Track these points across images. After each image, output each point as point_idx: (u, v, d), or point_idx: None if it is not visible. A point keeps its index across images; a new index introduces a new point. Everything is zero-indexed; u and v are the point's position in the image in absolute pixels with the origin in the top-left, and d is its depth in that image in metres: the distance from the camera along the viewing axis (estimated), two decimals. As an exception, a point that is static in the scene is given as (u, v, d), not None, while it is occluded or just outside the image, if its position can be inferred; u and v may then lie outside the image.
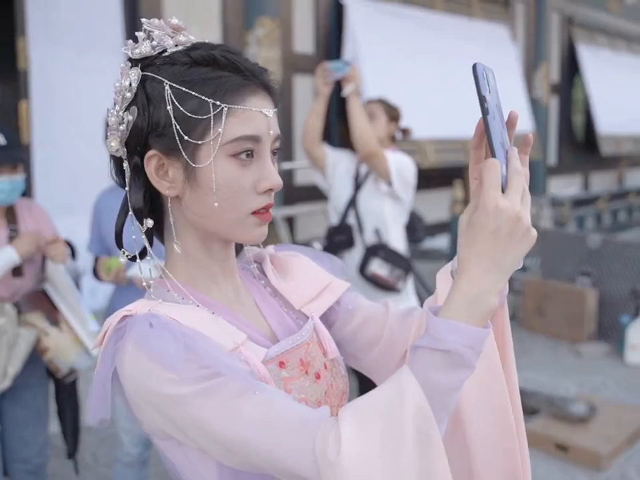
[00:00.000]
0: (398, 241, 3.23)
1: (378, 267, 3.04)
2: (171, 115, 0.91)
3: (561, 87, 10.85)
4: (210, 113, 0.91)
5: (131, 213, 0.95)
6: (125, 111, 0.93)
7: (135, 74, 0.93)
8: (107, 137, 0.96)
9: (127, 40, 0.96)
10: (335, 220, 3.33)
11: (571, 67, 10.95)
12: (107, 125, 0.97)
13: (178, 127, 0.91)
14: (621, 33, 12.36)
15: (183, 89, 0.91)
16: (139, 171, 0.95)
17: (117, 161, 0.98)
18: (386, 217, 3.20)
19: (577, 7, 10.87)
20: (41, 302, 2.47)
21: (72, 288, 2.49)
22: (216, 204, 0.92)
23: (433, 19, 8.42)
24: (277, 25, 6.58)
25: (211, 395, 0.82)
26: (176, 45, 0.95)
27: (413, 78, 7.85)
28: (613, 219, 9.89)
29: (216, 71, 0.92)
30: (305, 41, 7.42)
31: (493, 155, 0.83)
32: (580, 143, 11.55)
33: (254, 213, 0.95)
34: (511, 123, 0.89)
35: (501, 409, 0.96)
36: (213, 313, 0.95)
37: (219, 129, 0.91)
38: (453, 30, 8.65)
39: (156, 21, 0.96)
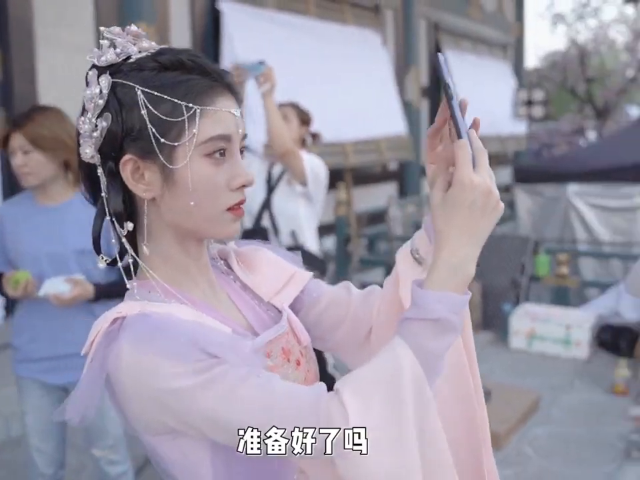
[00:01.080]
0: (312, 243, 3.27)
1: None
2: (146, 119, 0.93)
3: (431, 90, 11.29)
4: (184, 115, 0.93)
5: (108, 217, 0.96)
6: (98, 117, 0.94)
7: (105, 81, 0.94)
8: (79, 145, 0.95)
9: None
10: (248, 223, 3.33)
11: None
12: (76, 136, 0.97)
13: (154, 130, 0.93)
14: (483, 39, 13.02)
15: (155, 93, 0.93)
16: (114, 176, 0.96)
17: (87, 168, 0.99)
18: (301, 218, 3.24)
19: (442, 14, 11.35)
20: None
21: None
22: (192, 203, 0.95)
23: (308, 25, 8.54)
24: (153, 31, 6.47)
25: (215, 384, 0.84)
26: (139, 52, 0.97)
27: (289, 83, 7.91)
28: (484, 214, 10.37)
29: (184, 75, 0.95)
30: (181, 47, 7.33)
31: (459, 136, 0.90)
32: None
33: (229, 209, 0.98)
34: (464, 107, 0.95)
35: (463, 383, 1.02)
36: (197, 311, 0.96)
37: (194, 130, 0.93)
38: (328, 36, 8.82)
39: (116, 28, 0.98)
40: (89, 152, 0.95)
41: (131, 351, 0.86)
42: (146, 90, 0.93)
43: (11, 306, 2.61)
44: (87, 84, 0.96)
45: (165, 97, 0.93)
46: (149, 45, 0.98)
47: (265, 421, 0.83)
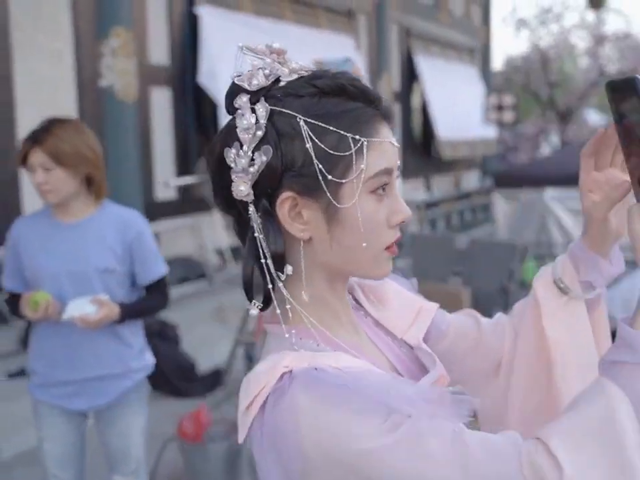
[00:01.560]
0: None
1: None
2: (312, 153, 0.84)
3: (402, 95, 11.33)
4: (351, 149, 0.85)
5: (263, 260, 0.87)
6: (255, 150, 0.85)
7: (263, 109, 0.85)
8: (231, 181, 0.87)
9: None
10: None
11: (410, 76, 11.46)
12: (214, 168, 0.89)
13: (320, 165, 0.85)
14: (451, 44, 13.11)
15: (320, 123, 0.85)
16: (268, 214, 0.87)
17: (232, 206, 0.90)
18: None
19: (413, 18, 11.39)
20: None
21: None
22: (356, 243, 0.87)
23: (283, 29, 8.49)
24: (131, 35, 6.34)
25: (407, 442, 0.77)
26: (290, 73, 0.88)
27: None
28: (460, 219, 10.45)
29: (348, 102, 0.87)
30: (159, 52, 7.21)
31: None
32: (419, 148, 12.11)
33: (386, 248, 0.91)
34: None
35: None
36: (360, 359, 0.89)
37: (362, 165, 0.85)
38: (303, 40, 8.77)
39: (258, 46, 0.89)
40: (244, 189, 0.85)
41: (311, 410, 0.78)
42: (309, 120, 0.84)
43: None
44: (234, 111, 0.87)
45: (330, 127, 0.84)
46: (298, 66, 0.89)
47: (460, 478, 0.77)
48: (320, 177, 0.85)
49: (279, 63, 0.88)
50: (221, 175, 0.89)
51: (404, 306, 1.05)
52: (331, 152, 0.85)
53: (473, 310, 1.16)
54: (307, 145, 0.84)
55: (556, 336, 1.04)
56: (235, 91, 0.88)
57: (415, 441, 0.77)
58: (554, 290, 1.05)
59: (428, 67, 11.54)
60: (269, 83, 0.87)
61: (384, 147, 0.88)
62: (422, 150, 12.13)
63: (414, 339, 1.03)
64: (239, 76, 0.88)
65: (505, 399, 1.10)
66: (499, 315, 1.14)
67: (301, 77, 0.88)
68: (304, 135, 0.84)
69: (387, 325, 1.03)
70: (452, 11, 12.90)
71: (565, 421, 0.80)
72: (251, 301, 0.89)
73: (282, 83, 0.87)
